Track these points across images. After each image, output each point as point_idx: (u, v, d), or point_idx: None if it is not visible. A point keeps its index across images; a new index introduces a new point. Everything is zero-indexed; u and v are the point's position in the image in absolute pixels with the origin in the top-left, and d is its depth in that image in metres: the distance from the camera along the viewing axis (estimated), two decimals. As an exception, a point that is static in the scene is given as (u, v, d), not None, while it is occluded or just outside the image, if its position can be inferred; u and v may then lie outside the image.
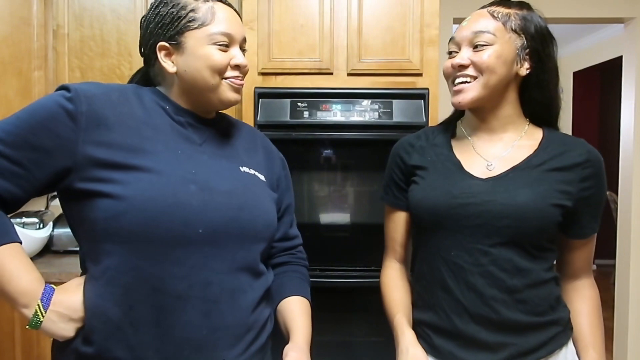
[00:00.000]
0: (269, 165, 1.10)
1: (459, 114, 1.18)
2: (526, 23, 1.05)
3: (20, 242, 0.89)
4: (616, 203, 3.20)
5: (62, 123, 0.86)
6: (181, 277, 0.88)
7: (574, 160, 1.03)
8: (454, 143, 1.13)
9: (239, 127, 1.11)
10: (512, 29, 1.04)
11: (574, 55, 5.29)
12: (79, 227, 0.92)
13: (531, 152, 1.06)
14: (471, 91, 1.04)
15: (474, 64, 1.03)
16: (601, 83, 5.64)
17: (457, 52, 1.06)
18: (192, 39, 0.96)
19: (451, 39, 1.09)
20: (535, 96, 1.07)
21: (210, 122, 1.03)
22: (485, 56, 1.02)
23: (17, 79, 2.09)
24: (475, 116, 1.10)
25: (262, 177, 1.04)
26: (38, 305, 0.85)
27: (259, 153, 1.09)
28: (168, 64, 0.97)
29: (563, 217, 1.02)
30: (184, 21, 0.96)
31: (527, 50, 1.05)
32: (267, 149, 1.13)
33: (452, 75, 1.07)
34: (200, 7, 0.97)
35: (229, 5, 1.02)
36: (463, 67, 1.04)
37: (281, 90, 1.96)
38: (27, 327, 0.86)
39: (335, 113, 1.95)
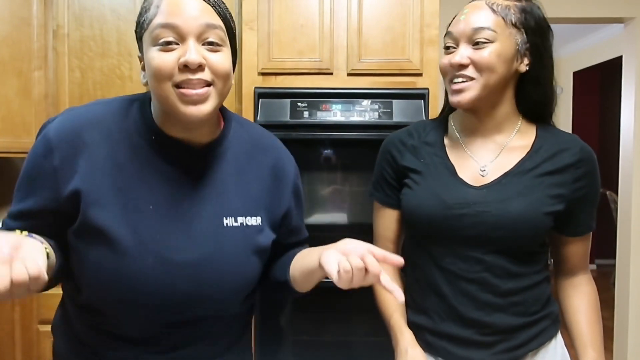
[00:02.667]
0: (276, 195, 0.95)
1: (450, 109, 1.14)
2: (526, 16, 1.00)
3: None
4: (616, 203, 3.19)
5: (41, 182, 0.83)
6: (135, 343, 0.86)
7: (567, 161, 1.02)
8: (447, 142, 1.10)
9: (246, 145, 0.94)
10: (512, 23, 0.99)
11: (574, 55, 5.29)
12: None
13: (524, 154, 1.04)
14: (471, 91, 1.00)
15: (473, 63, 0.99)
16: (601, 83, 5.63)
17: (455, 48, 1.02)
18: (144, 43, 0.81)
19: (448, 33, 1.03)
20: (532, 93, 1.04)
21: (204, 151, 0.88)
22: (486, 54, 0.98)
23: (17, 79, 2.09)
24: (470, 116, 1.06)
25: (253, 221, 0.90)
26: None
27: (264, 180, 0.94)
28: (142, 75, 0.84)
29: (556, 221, 1.02)
30: (140, 24, 0.82)
31: (527, 45, 1.01)
32: (278, 170, 0.96)
33: (450, 73, 1.02)
34: (153, 2, 0.80)
35: None
36: (463, 66, 1.00)
37: (281, 90, 1.96)
38: None
39: (335, 113, 1.95)
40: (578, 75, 5.42)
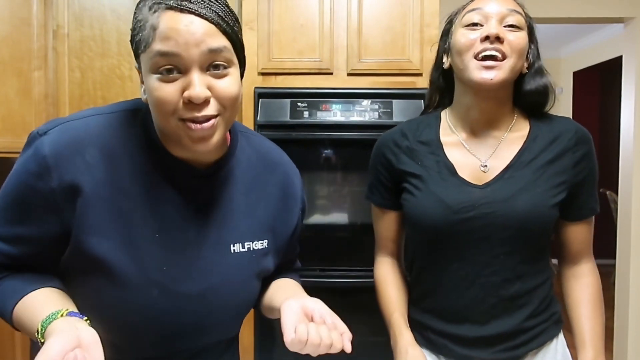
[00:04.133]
0: (285, 212, 0.92)
1: (439, 103, 1.12)
2: (530, 21, 1.02)
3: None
4: (616, 203, 3.19)
5: (40, 207, 0.75)
6: None
7: (564, 146, 1.01)
8: (443, 140, 1.06)
9: (254, 163, 0.89)
10: (527, 24, 0.99)
11: (574, 55, 5.29)
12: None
13: (520, 144, 1.02)
14: (502, 70, 0.95)
15: (508, 42, 0.95)
16: (601, 83, 5.64)
17: (481, 25, 0.97)
18: (143, 64, 0.73)
19: (475, 9, 0.98)
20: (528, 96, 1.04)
21: (210, 171, 0.82)
22: (521, 37, 0.96)
23: (17, 79, 2.09)
24: (474, 108, 1.02)
25: (260, 245, 0.87)
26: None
27: (272, 199, 0.90)
28: (142, 90, 0.76)
29: (560, 208, 1.01)
30: (136, 42, 0.73)
31: (528, 51, 1.01)
32: (287, 187, 0.93)
33: (476, 48, 0.96)
34: (148, 20, 0.70)
35: (185, 9, 0.69)
36: (499, 40, 0.94)
37: (281, 90, 1.96)
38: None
39: (335, 113, 1.95)
40: (578, 75, 5.42)
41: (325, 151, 2.02)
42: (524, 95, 1.04)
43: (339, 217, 2.06)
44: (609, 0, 2.97)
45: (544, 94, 1.04)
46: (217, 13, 0.71)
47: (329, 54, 1.98)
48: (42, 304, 0.73)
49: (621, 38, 3.25)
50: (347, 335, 0.76)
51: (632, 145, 3.05)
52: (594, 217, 1.07)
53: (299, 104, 1.95)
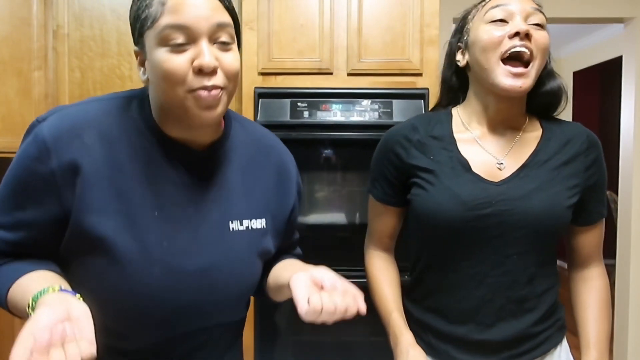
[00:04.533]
0: (282, 194, 0.94)
1: (451, 99, 1.10)
2: (545, 20, 0.99)
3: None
4: (616, 203, 3.19)
5: (40, 190, 0.76)
6: (138, 353, 0.83)
7: (577, 150, 1.01)
8: (456, 136, 1.03)
9: (249, 146, 0.91)
10: (546, 22, 0.98)
11: (574, 55, 5.29)
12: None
13: (535, 145, 1.02)
14: (530, 77, 0.93)
15: (534, 40, 0.93)
16: (601, 83, 5.64)
17: (505, 22, 0.95)
18: (148, 41, 0.75)
19: (498, 5, 0.96)
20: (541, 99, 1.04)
21: (207, 153, 0.84)
22: (546, 37, 0.94)
23: (17, 79, 2.09)
24: (495, 108, 1.00)
25: (258, 224, 0.89)
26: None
27: (269, 181, 0.92)
28: (141, 72, 0.79)
29: (572, 212, 1.00)
30: (141, 19, 0.76)
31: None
32: (282, 170, 0.95)
33: (504, 46, 0.93)
34: None
35: None
36: (528, 36, 0.92)
37: (281, 90, 1.96)
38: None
39: (335, 113, 1.95)
40: (578, 75, 5.42)
41: (325, 151, 2.02)
42: (540, 96, 1.03)
43: (339, 217, 2.06)
44: (609, 0, 2.97)
45: (559, 96, 1.04)
46: None
47: (329, 54, 1.98)
48: (36, 282, 0.73)
49: (621, 38, 3.25)
50: (360, 297, 0.77)
51: (632, 145, 3.06)
52: (603, 221, 1.07)
53: (299, 104, 1.95)
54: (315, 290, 0.75)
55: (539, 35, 0.94)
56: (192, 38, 0.73)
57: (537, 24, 0.94)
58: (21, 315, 0.74)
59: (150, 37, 0.74)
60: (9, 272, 0.78)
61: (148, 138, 0.81)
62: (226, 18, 0.76)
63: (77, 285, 0.78)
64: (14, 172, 0.78)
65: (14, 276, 0.76)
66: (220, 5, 0.76)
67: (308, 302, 0.73)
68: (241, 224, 0.86)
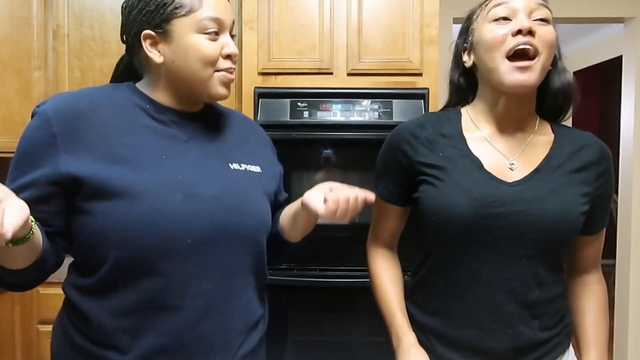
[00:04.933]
0: (265, 153, 1.07)
1: (460, 99, 1.09)
2: (551, 15, 0.97)
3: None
4: (616, 203, 3.19)
5: (43, 155, 0.84)
6: (173, 290, 0.87)
7: (589, 158, 0.99)
8: (466, 135, 1.01)
9: (229, 116, 1.06)
10: (552, 16, 0.96)
11: (574, 55, 5.28)
12: (74, 236, 0.90)
13: (548, 149, 1.00)
14: (535, 71, 0.92)
15: (539, 36, 0.91)
16: (601, 83, 5.64)
17: (509, 20, 0.94)
18: (179, 27, 0.88)
19: (501, 3, 0.95)
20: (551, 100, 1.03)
21: (197, 115, 0.97)
22: (551, 31, 0.92)
23: (17, 79, 2.09)
24: (504, 106, 0.99)
25: (255, 169, 1.00)
26: None
27: (251, 142, 1.05)
28: (154, 54, 0.90)
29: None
30: (170, 7, 0.88)
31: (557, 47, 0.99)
32: (266, 140, 1.11)
33: (508, 44, 0.92)
34: None
35: None
36: (531, 33, 0.91)
37: (281, 90, 1.96)
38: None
39: (335, 113, 1.95)
40: (578, 75, 5.40)
41: (325, 151, 2.02)
42: (551, 96, 1.02)
43: (339, 217, 2.06)
44: (609, 0, 2.97)
45: (569, 95, 1.02)
46: None
47: (329, 54, 1.98)
48: None
49: (621, 38, 3.25)
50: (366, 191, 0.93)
51: (632, 145, 3.05)
52: (605, 229, 1.07)
53: (299, 103, 1.95)
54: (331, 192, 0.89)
55: (543, 31, 0.92)
56: (221, 29, 0.91)
57: (541, 19, 0.93)
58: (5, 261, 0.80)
59: (183, 24, 0.88)
60: None
61: (142, 103, 0.93)
62: (233, 15, 0.95)
63: (104, 240, 0.85)
64: (19, 147, 0.88)
65: None
66: (230, 5, 0.96)
67: (324, 202, 0.88)
68: (240, 166, 0.98)
